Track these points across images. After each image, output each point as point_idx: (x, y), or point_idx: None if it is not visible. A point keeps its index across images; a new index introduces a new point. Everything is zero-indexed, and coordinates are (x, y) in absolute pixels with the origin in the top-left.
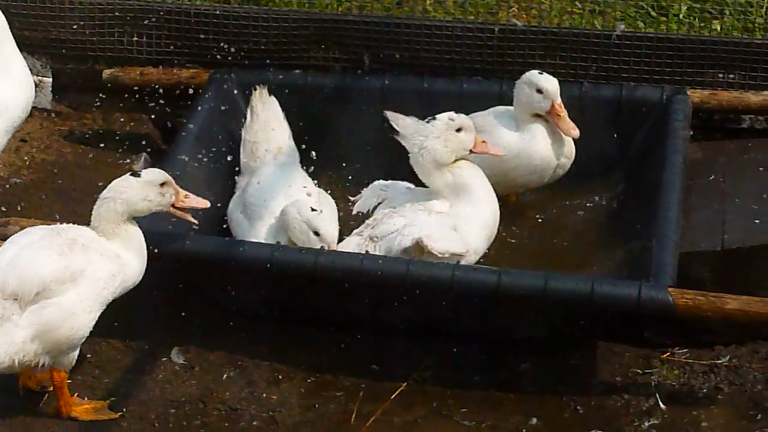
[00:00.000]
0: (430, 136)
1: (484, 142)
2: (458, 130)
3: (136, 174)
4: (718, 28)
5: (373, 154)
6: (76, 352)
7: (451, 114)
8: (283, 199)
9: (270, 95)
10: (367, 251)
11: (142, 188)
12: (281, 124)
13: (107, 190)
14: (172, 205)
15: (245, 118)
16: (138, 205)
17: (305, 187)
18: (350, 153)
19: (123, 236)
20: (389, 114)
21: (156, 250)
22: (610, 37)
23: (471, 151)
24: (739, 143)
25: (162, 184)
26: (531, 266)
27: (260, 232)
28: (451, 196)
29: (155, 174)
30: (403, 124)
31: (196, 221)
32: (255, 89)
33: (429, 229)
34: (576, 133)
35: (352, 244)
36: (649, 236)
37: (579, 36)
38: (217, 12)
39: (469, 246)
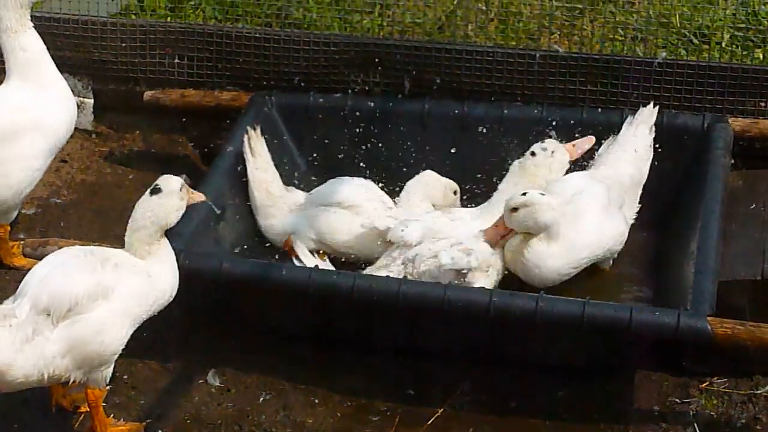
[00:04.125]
0: (542, 167)
1: (573, 146)
2: (552, 153)
3: (155, 190)
4: (761, 57)
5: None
6: (110, 369)
7: (541, 144)
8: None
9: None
10: (404, 276)
11: (168, 202)
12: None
13: (135, 218)
14: None
15: (247, 162)
16: (170, 218)
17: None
18: (391, 176)
19: (155, 253)
20: None
21: (193, 271)
22: (652, 65)
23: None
24: None
25: (181, 188)
26: (569, 292)
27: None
28: None
29: (173, 183)
30: None
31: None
32: (248, 131)
33: (483, 256)
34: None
35: (394, 271)
36: (689, 264)
37: (620, 63)
38: (258, 35)
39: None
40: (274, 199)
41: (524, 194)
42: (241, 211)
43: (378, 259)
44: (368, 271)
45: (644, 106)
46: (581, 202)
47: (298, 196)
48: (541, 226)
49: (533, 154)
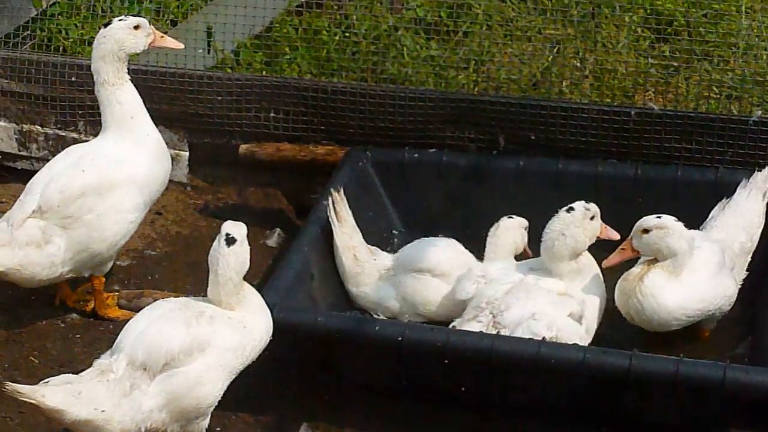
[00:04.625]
0: (571, 225)
1: (606, 227)
2: (592, 218)
3: (230, 240)
4: None
5: None
6: (206, 422)
7: (584, 203)
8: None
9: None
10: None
11: (243, 250)
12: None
13: (218, 273)
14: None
15: (333, 227)
16: (246, 265)
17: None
18: (485, 233)
19: (243, 302)
20: None
21: (287, 325)
22: (747, 123)
23: (597, 238)
24: None
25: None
26: (661, 351)
27: None
28: (569, 281)
29: (243, 230)
30: None
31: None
32: (332, 194)
33: (558, 324)
34: None
35: (475, 328)
36: None
37: (715, 121)
38: (354, 89)
39: (590, 335)
40: (363, 264)
41: (659, 217)
42: (331, 269)
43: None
44: (456, 323)
45: (759, 170)
46: (701, 256)
47: (385, 259)
48: (670, 252)
49: (570, 209)
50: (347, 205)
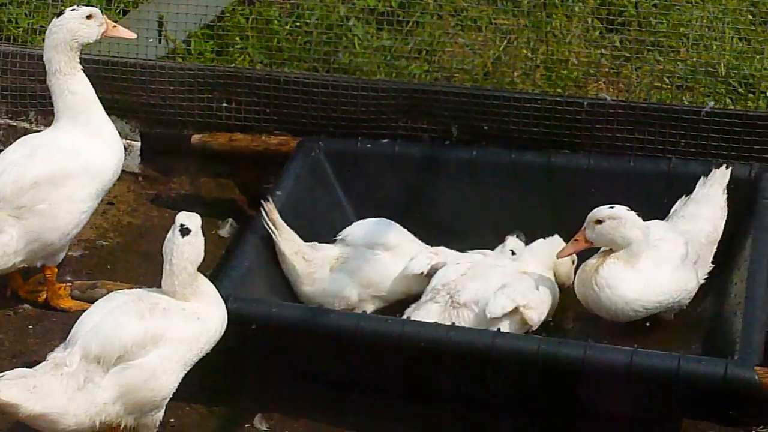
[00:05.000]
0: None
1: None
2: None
3: (185, 231)
4: None
5: (460, 225)
6: (161, 414)
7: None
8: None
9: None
10: (453, 322)
11: (198, 240)
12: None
13: (173, 263)
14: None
15: (274, 237)
16: (201, 255)
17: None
18: (438, 223)
19: (197, 293)
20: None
21: (241, 316)
22: (700, 114)
23: None
24: None
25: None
26: (613, 342)
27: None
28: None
29: (197, 220)
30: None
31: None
32: (263, 205)
33: (529, 296)
34: None
35: (433, 312)
36: (737, 314)
37: (668, 111)
38: (307, 80)
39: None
40: (312, 262)
41: (611, 207)
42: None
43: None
44: (412, 307)
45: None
46: (662, 249)
47: (329, 249)
48: (624, 242)
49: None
50: (278, 213)
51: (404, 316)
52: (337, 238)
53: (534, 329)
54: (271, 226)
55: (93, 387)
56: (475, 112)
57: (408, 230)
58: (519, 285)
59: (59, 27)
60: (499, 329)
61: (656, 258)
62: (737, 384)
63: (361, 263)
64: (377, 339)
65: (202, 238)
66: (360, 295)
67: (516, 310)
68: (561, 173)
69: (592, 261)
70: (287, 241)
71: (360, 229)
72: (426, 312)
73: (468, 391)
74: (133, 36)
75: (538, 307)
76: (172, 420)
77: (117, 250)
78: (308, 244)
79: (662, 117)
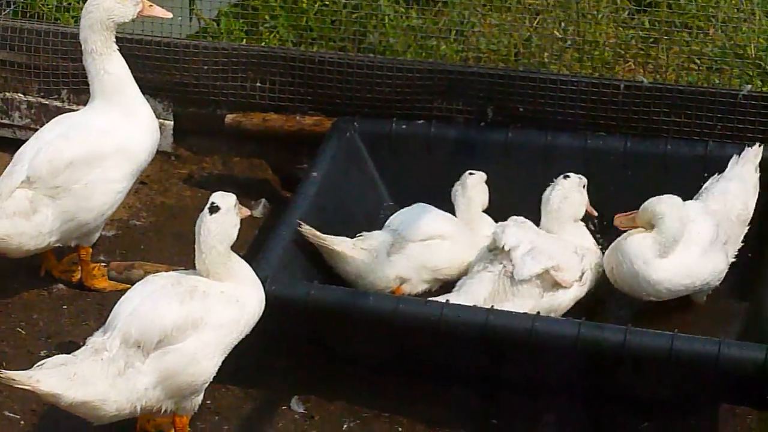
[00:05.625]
0: (571, 190)
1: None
2: (584, 186)
3: (215, 208)
4: None
5: (495, 207)
6: (200, 398)
7: (577, 175)
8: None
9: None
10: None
11: (228, 219)
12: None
13: (201, 241)
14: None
15: (328, 250)
16: (232, 234)
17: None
18: None
19: (233, 272)
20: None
21: (279, 298)
22: (736, 97)
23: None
24: None
25: (235, 204)
26: (655, 326)
27: None
28: None
29: (229, 199)
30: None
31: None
32: (302, 227)
33: (559, 257)
34: None
35: (486, 280)
36: None
37: (704, 95)
38: (342, 60)
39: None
40: (364, 254)
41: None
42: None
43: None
44: (465, 279)
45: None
46: (692, 231)
47: (379, 236)
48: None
49: (567, 176)
50: (314, 230)
51: (459, 284)
52: (385, 227)
53: (570, 287)
54: (321, 242)
55: (133, 372)
56: (511, 93)
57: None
58: (547, 247)
59: (95, 6)
60: (538, 313)
61: (685, 240)
62: None
63: (419, 250)
64: (416, 322)
65: (235, 218)
66: (421, 276)
67: (546, 273)
68: (597, 156)
69: (627, 233)
70: (338, 242)
71: (404, 220)
72: (479, 281)
73: (508, 376)
74: (169, 15)
75: (570, 268)
76: (208, 402)
77: (150, 230)
78: (358, 236)
79: (698, 100)
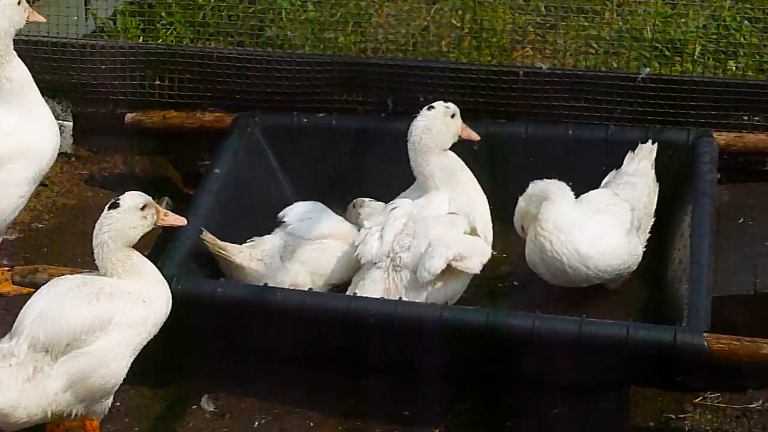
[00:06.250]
0: (434, 121)
1: (466, 127)
2: (452, 116)
3: (114, 205)
4: (733, 68)
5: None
6: (110, 400)
7: (443, 102)
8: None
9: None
10: (399, 297)
11: (125, 217)
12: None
13: (95, 234)
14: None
15: (227, 259)
16: (128, 234)
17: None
18: (376, 196)
19: (135, 271)
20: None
21: (186, 296)
22: (635, 80)
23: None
24: (765, 185)
25: (143, 207)
26: (562, 311)
27: None
28: (444, 185)
29: (133, 199)
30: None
31: (185, 220)
32: (203, 236)
33: (457, 246)
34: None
35: (377, 278)
36: (682, 280)
37: (603, 79)
38: (240, 55)
39: (489, 240)
40: (265, 260)
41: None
42: (227, 238)
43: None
44: (356, 278)
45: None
46: (614, 213)
47: (274, 240)
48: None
49: (431, 107)
50: (216, 239)
51: (351, 287)
52: (278, 220)
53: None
54: (221, 252)
55: (43, 377)
56: (410, 83)
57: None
58: (445, 238)
59: (1, 16)
60: (447, 303)
61: (609, 221)
62: (687, 351)
63: (311, 253)
64: (324, 315)
65: (135, 219)
66: (314, 282)
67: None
68: (498, 142)
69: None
70: (239, 254)
71: (298, 217)
72: (371, 281)
73: (414, 364)
74: (42, 19)
75: (472, 253)
76: (118, 404)
77: (53, 232)
78: (248, 243)
79: (598, 84)
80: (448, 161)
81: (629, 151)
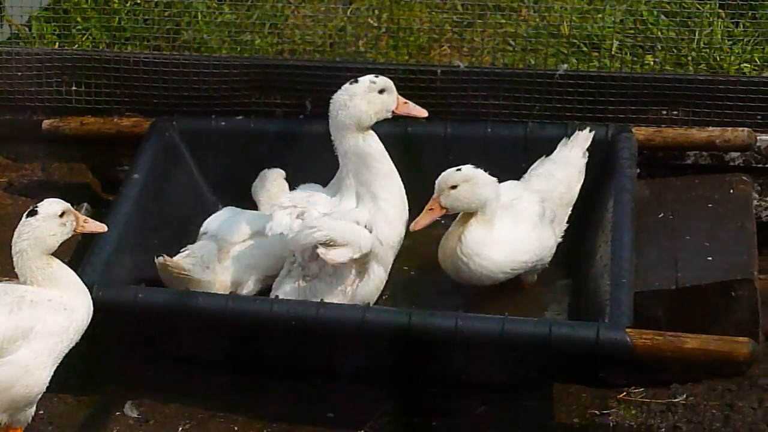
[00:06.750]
0: (354, 97)
1: (406, 103)
2: (381, 91)
3: (33, 212)
4: (651, 63)
5: None
6: (33, 409)
7: (372, 76)
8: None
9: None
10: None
11: (44, 225)
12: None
13: (14, 242)
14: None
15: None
16: (47, 242)
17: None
18: None
19: (55, 279)
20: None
21: (107, 302)
22: (553, 77)
23: (393, 113)
24: (685, 180)
25: (61, 215)
26: (485, 310)
27: None
28: (354, 174)
29: (51, 206)
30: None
31: (105, 227)
32: (161, 261)
33: (332, 233)
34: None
35: (288, 288)
36: (603, 276)
37: (521, 76)
38: (157, 59)
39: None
40: (210, 267)
41: (459, 170)
42: (147, 243)
43: None
44: (276, 283)
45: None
46: (519, 208)
47: (204, 247)
48: (480, 202)
49: (355, 81)
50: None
51: (273, 290)
52: (201, 235)
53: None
54: (181, 272)
55: None
56: (328, 84)
57: None
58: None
59: None
60: (368, 304)
61: (514, 217)
62: (610, 347)
63: (245, 250)
64: (246, 319)
65: (53, 226)
66: (257, 277)
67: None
68: (418, 142)
69: (453, 230)
70: (193, 267)
71: (218, 224)
72: (283, 293)
73: (339, 367)
74: None
75: (349, 243)
76: (41, 412)
77: None
78: (184, 252)
79: (516, 81)
80: (365, 144)
81: (564, 137)
